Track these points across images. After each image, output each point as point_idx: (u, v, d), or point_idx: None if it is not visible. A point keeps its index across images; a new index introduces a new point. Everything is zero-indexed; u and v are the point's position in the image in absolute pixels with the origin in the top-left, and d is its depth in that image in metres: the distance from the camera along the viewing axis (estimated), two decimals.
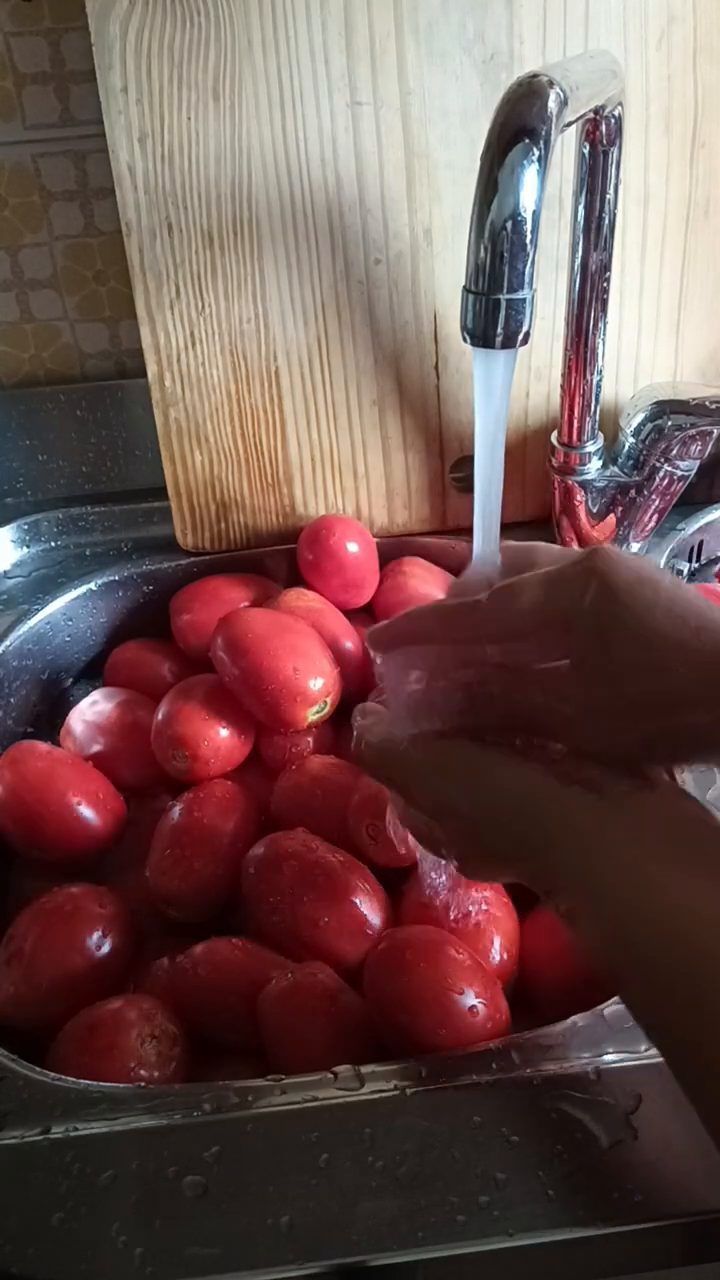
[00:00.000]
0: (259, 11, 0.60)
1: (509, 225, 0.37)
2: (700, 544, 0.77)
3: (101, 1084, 0.44)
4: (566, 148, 0.59)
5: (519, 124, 0.37)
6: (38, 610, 0.72)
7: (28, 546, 0.78)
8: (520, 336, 0.38)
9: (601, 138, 0.56)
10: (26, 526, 0.78)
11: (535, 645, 0.37)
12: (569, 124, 0.41)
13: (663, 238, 0.68)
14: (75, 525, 0.79)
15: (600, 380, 0.66)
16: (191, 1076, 0.49)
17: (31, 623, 0.72)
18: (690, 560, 0.77)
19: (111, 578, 0.75)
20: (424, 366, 0.70)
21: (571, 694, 0.37)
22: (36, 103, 0.69)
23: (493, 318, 0.38)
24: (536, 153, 0.37)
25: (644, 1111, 0.41)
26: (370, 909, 0.54)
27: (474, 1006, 0.47)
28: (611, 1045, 0.44)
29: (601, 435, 0.69)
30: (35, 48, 0.68)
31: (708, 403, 0.66)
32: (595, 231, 0.59)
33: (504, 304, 0.38)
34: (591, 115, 0.54)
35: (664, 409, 0.66)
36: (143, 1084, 0.46)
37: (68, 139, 0.71)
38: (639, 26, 0.62)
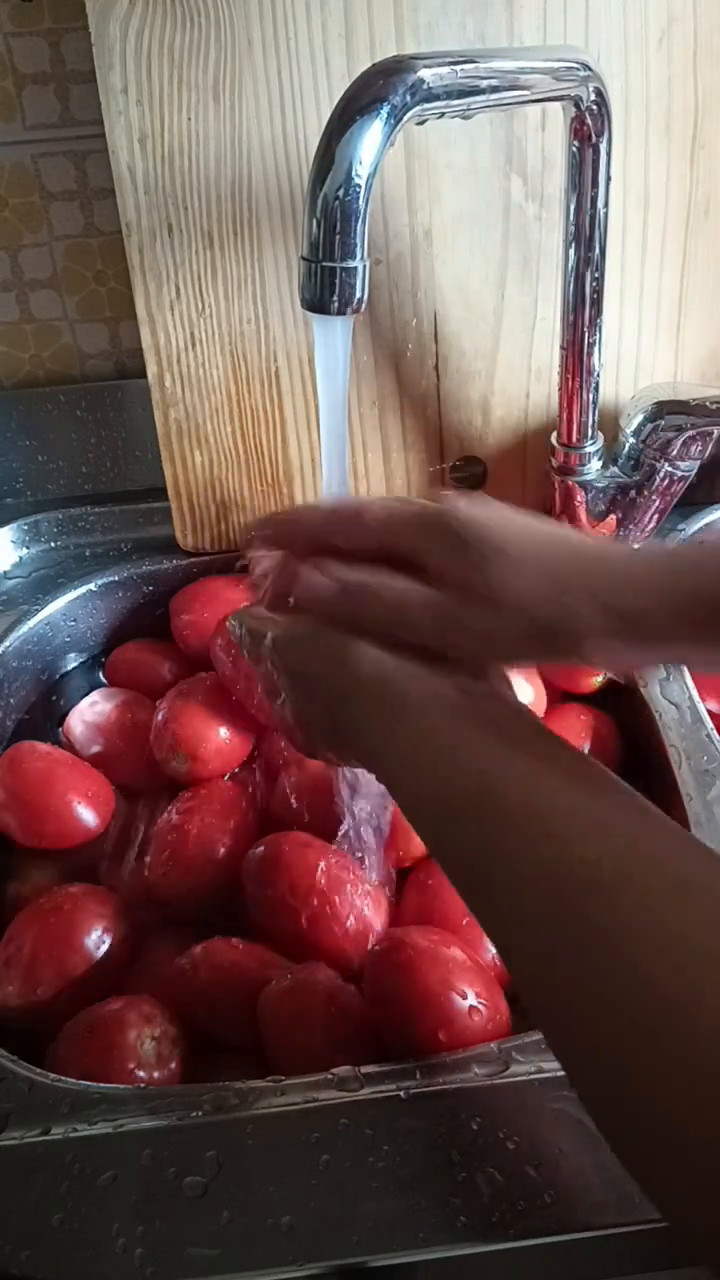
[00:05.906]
0: (259, 12, 0.60)
1: (340, 195, 0.39)
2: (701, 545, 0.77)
3: (101, 1084, 0.44)
4: (558, 144, 0.58)
5: (360, 103, 0.40)
6: (38, 610, 0.72)
7: (28, 547, 0.78)
8: (354, 303, 0.41)
9: (589, 131, 0.56)
10: (26, 527, 0.78)
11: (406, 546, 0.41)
12: (434, 109, 0.43)
13: (663, 239, 0.68)
14: (75, 526, 0.79)
15: (598, 379, 0.66)
16: (191, 1076, 0.48)
17: (31, 623, 0.72)
18: None
19: (111, 578, 0.75)
20: (424, 366, 0.70)
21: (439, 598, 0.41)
22: (36, 103, 0.69)
23: (329, 286, 0.41)
24: (372, 127, 0.40)
25: None
26: (370, 909, 0.54)
27: (474, 1007, 0.47)
28: None
29: (601, 436, 0.69)
30: (35, 48, 0.68)
31: (708, 403, 0.66)
32: (589, 225, 0.59)
33: (339, 272, 0.40)
34: (575, 110, 0.54)
35: (664, 409, 0.66)
36: (143, 1084, 0.46)
37: (68, 139, 0.71)
38: (639, 27, 0.62)
